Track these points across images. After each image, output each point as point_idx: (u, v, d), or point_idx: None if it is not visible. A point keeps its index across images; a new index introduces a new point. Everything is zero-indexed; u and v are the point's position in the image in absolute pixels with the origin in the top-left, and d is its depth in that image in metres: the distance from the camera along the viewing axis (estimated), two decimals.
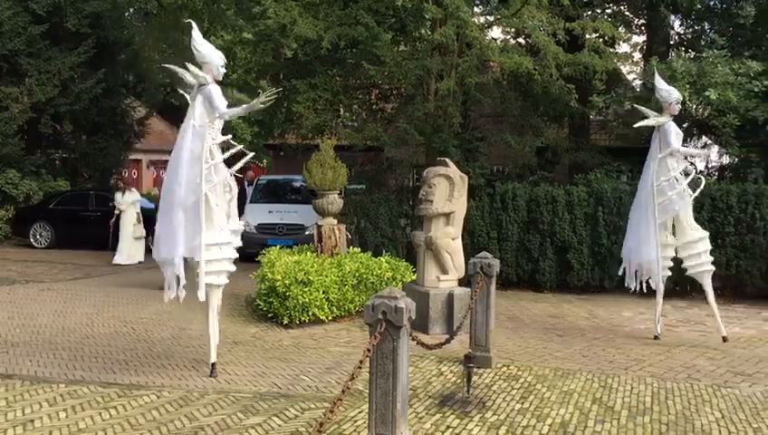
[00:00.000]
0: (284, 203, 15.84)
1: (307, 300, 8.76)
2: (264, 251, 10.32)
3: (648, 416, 5.68)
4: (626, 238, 8.99)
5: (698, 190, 8.43)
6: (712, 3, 15.41)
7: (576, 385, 6.52)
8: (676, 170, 8.28)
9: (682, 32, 17.65)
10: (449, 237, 8.86)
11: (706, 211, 11.42)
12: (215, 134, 6.69)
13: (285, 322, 8.91)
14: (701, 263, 8.51)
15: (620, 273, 8.90)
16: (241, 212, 15.95)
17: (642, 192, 8.61)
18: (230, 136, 6.83)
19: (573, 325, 9.43)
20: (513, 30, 14.28)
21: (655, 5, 14.57)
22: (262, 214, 15.16)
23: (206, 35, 19.99)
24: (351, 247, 10.66)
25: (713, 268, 8.60)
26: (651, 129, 13.61)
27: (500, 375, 6.80)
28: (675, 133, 8.27)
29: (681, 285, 11.56)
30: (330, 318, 9.09)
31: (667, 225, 8.52)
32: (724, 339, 8.31)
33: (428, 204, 8.88)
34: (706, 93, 12.06)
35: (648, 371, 7.12)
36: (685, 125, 14.82)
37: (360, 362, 3.97)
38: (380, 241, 12.64)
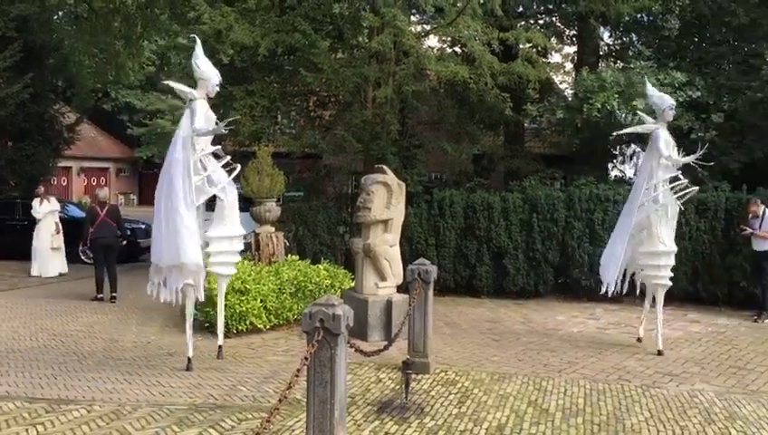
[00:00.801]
0: None
1: (244, 309, 8.65)
2: None
3: (580, 417, 5.82)
4: (609, 243, 8.84)
5: (685, 198, 8.37)
6: (639, 16, 15.91)
7: (512, 389, 6.63)
8: (659, 178, 8.20)
9: (611, 43, 18.20)
10: (387, 244, 8.90)
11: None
12: (203, 145, 7.00)
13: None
14: (660, 275, 8.41)
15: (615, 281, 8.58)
16: None
17: (632, 200, 8.52)
18: (219, 147, 7.21)
19: (509, 330, 9.58)
20: (449, 39, 14.47)
21: (585, 17, 14.98)
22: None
23: (138, 40, 19.54)
24: (289, 255, 10.58)
25: (669, 284, 8.50)
26: (585, 137, 14.02)
27: (438, 381, 6.86)
28: (663, 140, 8.19)
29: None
30: (268, 327, 9.00)
31: (659, 232, 8.35)
32: (659, 353, 8.20)
33: (366, 211, 8.90)
34: (634, 103, 12.44)
35: (581, 373, 7.30)
36: (614, 133, 15.31)
37: (298, 370, 3.95)
38: (319, 249, 12.59)
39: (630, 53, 16.77)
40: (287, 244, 10.86)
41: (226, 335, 8.70)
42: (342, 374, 4.28)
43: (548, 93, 15.84)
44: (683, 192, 8.41)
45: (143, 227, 16.84)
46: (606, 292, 8.56)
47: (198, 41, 7.49)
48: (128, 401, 6.18)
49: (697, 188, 8.62)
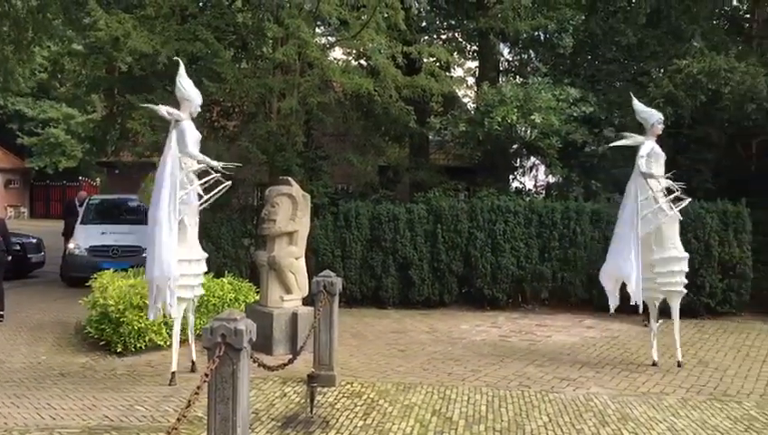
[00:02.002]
0: (119, 224, 15.04)
1: (143, 325, 8.35)
2: (95, 275, 9.74)
3: (483, 424, 5.94)
4: (607, 257, 8.62)
5: (678, 208, 8.32)
6: (536, 34, 16.55)
7: (417, 398, 6.69)
8: (655, 190, 8.22)
9: (510, 59, 18.82)
10: (293, 257, 8.82)
11: (534, 227, 12.21)
12: (189, 163, 7.25)
13: (119, 349, 8.44)
14: (673, 282, 8.28)
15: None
16: (70, 234, 15.01)
17: (624, 211, 8.44)
18: (204, 165, 7.35)
19: (415, 340, 9.68)
20: (354, 52, 14.55)
21: (485, 34, 15.42)
22: (94, 235, 14.34)
23: (29, 45, 18.56)
24: None
25: (684, 291, 8.44)
26: (487, 150, 14.35)
27: (343, 393, 6.84)
28: (645, 155, 8.25)
29: (513, 297, 12.28)
30: (168, 343, 8.69)
31: (649, 243, 8.30)
32: (679, 364, 8.17)
33: (271, 223, 8.80)
34: (532, 117, 12.89)
35: (483, 380, 7.45)
36: (514, 146, 15.82)
37: (198, 387, 3.84)
38: (223, 262, 12.32)
39: (528, 69, 17.42)
40: None
41: (122, 354, 8.41)
42: (245, 390, 4.19)
43: (451, 107, 16.19)
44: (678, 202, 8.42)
45: (34, 241, 16.03)
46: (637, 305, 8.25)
47: (181, 62, 7.72)
48: (15, 425, 5.84)
49: (690, 199, 8.67)
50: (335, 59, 14.59)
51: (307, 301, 8.81)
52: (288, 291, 8.76)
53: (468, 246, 12.23)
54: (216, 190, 7.49)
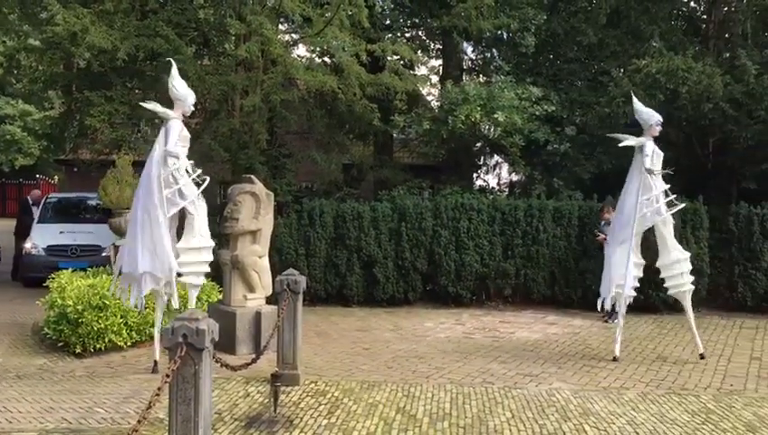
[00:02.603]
0: (78, 223, 14.74)
1: (103, 326, 8.20)
2: (53, 275, 9.54)
3: (447, 421, 5.96)
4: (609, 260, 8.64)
5: (674, 210, 8.45)
6: (499, 33, 16.65)
7: (381, 396, 6.69)
8: (658, 189, 8.34)
9: (474, 58, 18.92)
10: (256, 255, 8.75)
11: (498, 225, 12.30)
12: (179, 162, 7.35)
13: (78, 350, 8.28)
14: (682, 283, 8.49)
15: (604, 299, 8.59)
16: (23, 233, 14.66)
17: (622, 212, 8.57)
18: (192, 162, 7.59)
19: (379, 338, 9.68)
20: (318, 49, 14.49)
21: (449, 32, 15.48)
22: (51, 235, 14.02)
23: None
24: None
25: (692, 287, 8.59)
26: (451, 148, 14.40)
27: (308, 392, 6.80)
28: (650, 154, 8.38)
29: (477, 294, 12.36)
30: (129, 344, 8.57)
31: (636, 244, 8.46)
32: (702, 356, 8.34)
33: (234, 222, 8.71)
34: (495, 115, 13.00)
35: (447, 378, 7.48)
36: (478, 145, 15.93)
37: (159, 388, 3.78)
38: None
39: (492, 68, 17.53)
40: None
41: (80, 355, 8.25)
42: (207, 391, 4.14)
43: (415, 105, 16.23)
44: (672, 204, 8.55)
45: None
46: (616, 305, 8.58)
47: (173, 63, 7.85)
48: None
49: (684, 205, 8.83)
50: (299, 56, 14.54)
51: (271, 300, 8.74)
52: (251, 290, 8.69)
53: (432, 244, 12.27)
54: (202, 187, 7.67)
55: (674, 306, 11.67)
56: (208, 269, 7.82)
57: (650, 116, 8.75)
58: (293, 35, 14.75)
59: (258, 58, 12.09)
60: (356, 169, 15.88)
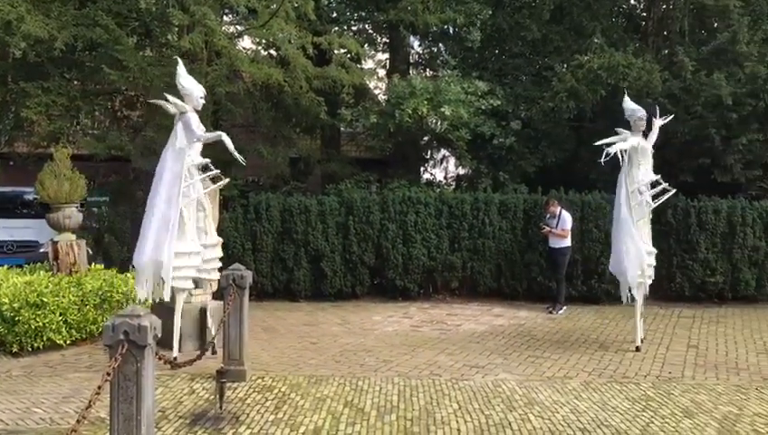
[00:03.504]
0: (14, 218, 14.25)
1: (41, 324, 7.96)
2: None
3: (394, 414, 5.98)
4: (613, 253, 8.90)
5: (659, 201, 8.79)
6: (445, 27, 16.75)
7: (329, 391, 6.66)
8: (641, 182, 8.56)
9: (421, 52, 19.01)
10: None
11: (445, 218, 12.39)
12: (193, 156, 7.63)
13: (14, 350, 8.02)
14: (640, 273, 8.57)
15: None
16: None
17: (617, 205, 8.79)
18: (209, 160, 7.79)
19: (327, 332, 9.64)
20: (263, 41, 14.31)
21: (395, 26, 15.49)
22: None
23: None
24: (93, 264, 9.90)
25: (649, 281, 8.80)
26: (398, 142, 14.39)
27: (254, 388, 6.73)
28: (630, 147, 8.56)
29: (424, 287, 12.43)
30: (68, 342, 8.34)
31: (647, 233, 8.74)
32: (637, 349, 8.50)
33: None
34: (442, 109, 13.06)
35: (395, 371, 7.50)
36: (425, 138, 15.99)
37: (99, 387, 3.68)
38: (127, 256, 11.83)
39: (438, 62, 17.62)
40: (90, 252, 10.15)
41: (17, 354, 8.00)
42: (150, 388, 4.05)
43: (362, 98, 16.18)
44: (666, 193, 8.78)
45: None
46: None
47: (180, 61, 8.04)
48: None
49: (674, 190, 9.00)
50: (244, 48, 14.32)
51: (217, 295, 8.62)
52: (197, 285, 8.53)
53: (380, 238, 12.29)
54: (215, 185, 8.13)
55: (615, 296, 11.99)
56: (195, 274, 7.83)
57: (634, 112, 8.97)
58: (238, 27, 14.53)
59: (202, 50, 11.87)
60: (303, 162, 15.75)
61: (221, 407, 6.03)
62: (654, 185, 8.75)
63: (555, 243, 11.47)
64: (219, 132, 7.95)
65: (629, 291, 8.60)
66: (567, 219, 11.46)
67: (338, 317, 10.85)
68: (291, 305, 11.86)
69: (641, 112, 8.92)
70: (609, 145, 8.62)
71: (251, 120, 14.56)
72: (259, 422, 5.74)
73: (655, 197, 8.77)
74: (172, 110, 7.74)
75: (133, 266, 7.74)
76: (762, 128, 13.52)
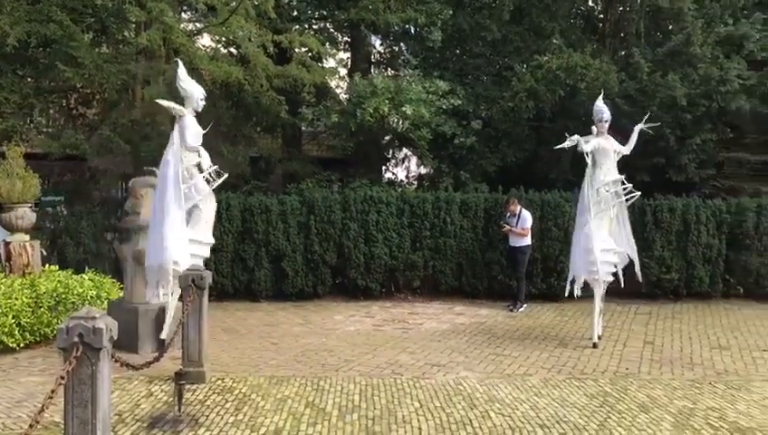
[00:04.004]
0: None
1: None
2: None
3: (356, 413, 5.97)
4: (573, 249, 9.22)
5: (631, 201, 9.16)
6: (406, 26, 16.78)
7: (290, 391, 6.62)
8: (601, 182, 8.76)
9: (382, 51, 18.99)
10: None
11: (406, 217, 12.41)
12: (190, 157, 7.79)
13: None
14: (603, 270, 8.84)
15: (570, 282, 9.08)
16: None
17: (581, 201, 8.96)
18: (203, 159, 8.00)
19: (288, 332, 9.59)
20: (223, 39, 14.15)
21: (356, 25, 15.47)
22: None
23: None
24: (48, 265, 9.68)
25: (611, 279, 9.05)
26: (360, 141, 14.39)
27: (214, 389, 6.65)
28: (591, 147, 8.73)
29: (386, 286, 12.44)
30: (22, 345, 8.14)
31: (610, 229, 8.97)
32: (594, 345, 8.69)
33: (136, 216, 8.45)
34: (403, 109, 13.08)
35: (357, 370, 7.49)
36: (387, 138, 15.99)
37: (53, 391, 3.59)
38: (83, 257, 11.66)
39: (400, 62, 17.64)
40: (44, 253, 9.93)
41: None
42: (105, 392, 3.98)
43: (323, 98, 16.13)
44: (631, 195, 9.06)
45: None
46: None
47: (180, 63, 8.18)
48: None
49: (639, 193, 9.21)
50: (203, 46, 14.15)
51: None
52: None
53: (342, 237, 12.26)
54: (217, 180, 8.19)
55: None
56: (202, 266, 7.86)
57: (596, 112, 9.16)
58: (197, 24, 14.33)
59: (160, 47, 11.68)
60: (264, 161, 15.63)
61: (180, 409, 5.94)
62: (624, 185, 8.97)
63: (515, 241, 11.59)
64: (203, 158, 8.06)
65: (572, 284, 9.00)
66: (527, 218, 11.59)
67: (299, 317, 10.79)
68: (252, 306, 11.76)
69: (607, 115, 9.12)
70: (574, 144, 8.85)
71: (210, 118, 14.33)
72: (219, 424, 5.67)
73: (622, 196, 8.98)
74: (177, 110, 7.84)
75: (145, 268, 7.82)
76: (714, 128, 13.86)
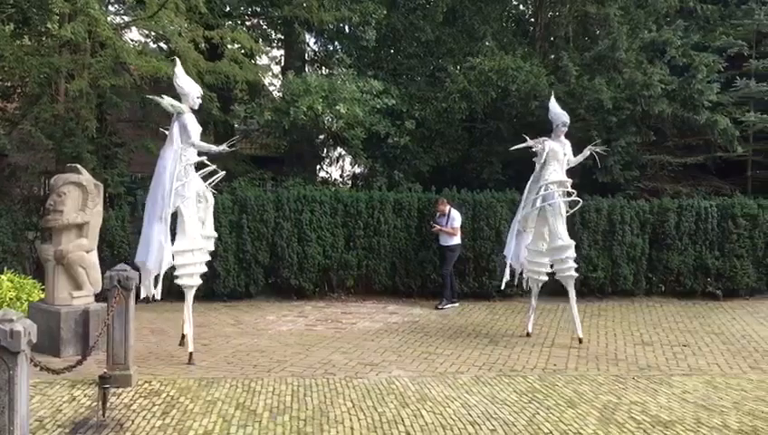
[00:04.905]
0: None
1: None
2: None
3: (287, 414, 5.90)
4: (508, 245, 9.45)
5: (574, 209, 9.37)
6: (341, 25, 16.74)
7: (220, 393, 6.50)
8: (545, 180, 8.95)
9: (316, 49, 18.91)
10: (83, 250, 8.20)
11: (340, 216, 12.37)
12: (189, 155, 7.73)
13: None
14: (566, 268, 8.97)
15: (507, 278, 9.23)
16: None
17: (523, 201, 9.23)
18: (205, 157, 7.99)
19: (219, 333, 9.42)
20: (152, 33, 13.81)
21: (290, 22, 15.34)
22: None
23: None
24: None
25: (576, 274, 9.10)
26: (293, 139, 14.27)
27: (141, 393, 6.47)
28: (547, 151, 8.91)
29: (320, 286, 12.38)
30: None
31: (543, 234, 9.11)
32: (580, 341, 8.89)
33: (58, 214, 8.11)
34: (337, 108, 13.05)
35: (289, 371, 7.41)
36: (321, 137, 15.95)
37: None
38: (2, 257, 11.15)
39: (334, 60, 17.59)
40: None
41: None
42: (24, 397, 3.83)
43: (256, 95, 15.95)
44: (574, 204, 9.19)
45: None
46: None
47: (178, 61, 8.30)
48: None
49: (580, 201, 9.34)
50: (131, 40, 13.79)
51: (100, 297, 8.24)
52: (78, 287, 8.14)
53: (274, 236, 12.13)
54: (212, 179, 8.27)
55: (505, 292, 12.38)
56: (205, 269, 8.13)
57: (556, 117, 9.31)
58: (125, 17, 13.95)
59: (85, 40, 11.29)
60: None
61: (104, 414, 5.75)
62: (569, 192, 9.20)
63: (445, 240, 11.74)
64: (219, 148, 8.01)
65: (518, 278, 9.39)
66: (456, 218, 11.75)
67: (231, 317, 10.62)
68: (181, 306, 11.38)
69: (566, 118, 9.32)
70: (528, 147, 9.18)
71: (139, 114, 14.03)
72: (145, 428, 5.52)
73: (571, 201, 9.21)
74: (170, 109, 7.85)
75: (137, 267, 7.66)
76: (638, 131, 14.34)
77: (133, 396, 6.36)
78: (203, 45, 12.50)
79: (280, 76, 16.77)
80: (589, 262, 12.58)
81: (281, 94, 15.10)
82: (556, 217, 9.01)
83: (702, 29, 16.30)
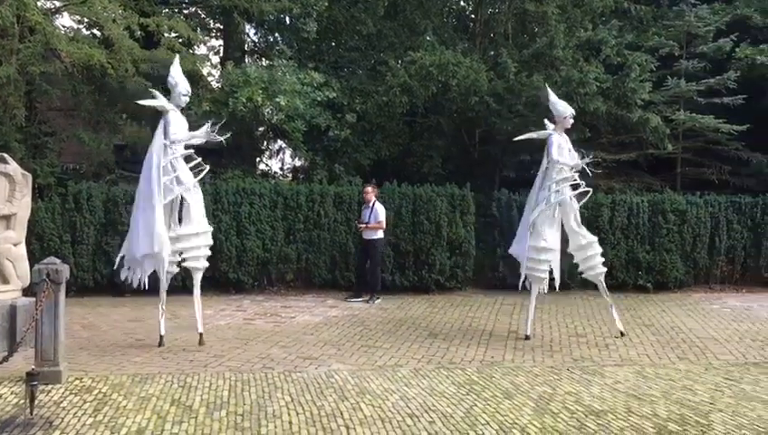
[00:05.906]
0: None
1: None
2: None
3: (224, 410, 5.81)
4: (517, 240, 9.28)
5: (583, 201, 9.08)
6: (281, 16, 16.54)
7: (155, 389, 6.35)
8: (552, 179, 8.72)
9: (256, 40, 18.64)
10: (10, 243, 7.90)
11: (280, 209, 12.26)
12: (176, 149, 8.01)
13: None
14: (538, 269, 8.84)
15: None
16: None
17: (531, 199, 9.05)
18: (192, 151, 8.26)
19: (155, 328, 9.12)
20: (85, 19, 13.36)
21: (229, 12, 15.08)
22: None
23: None
24: None
25: (544, 277, 8.92)
26: (233, 131, 14.09)
27: (71, 390, 6.26)
28: (556, 145, 8.69)
29: (259, 280, 12.24)
30: None
31: (544, 232, 8.83)
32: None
33: None
34: (277, 99, 12.89)
35: (226, 365, 7.30)
36: (261, 129, 15.72)
37: None
38: None
39: (274, 52, 17.37)
40: None
41: None
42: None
43: (194, 85, 15.58)
44: (579, 192, 8.90)
45: None
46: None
47: (177, 57, 8.59)
48: None
49: (590, 190, 9.08)
50: (63, 26, 13.32)
51: (28, 291, 7.95)
52: (4, 281, 7.83)
53: (213, 230, 11.87)
54: (199, 173, 8.32)
55: (444, 286, 12.51)
56: (209, 253, 8.54)
57: (565, 109, 9.14)
58: (56, 2, 13.45)
59: (13, 24, 10.87)
60: (129, 150, 14.91)
61: (31, 412, 5.54)
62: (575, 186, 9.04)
63: (369, 235, 11.76)
64: (200, 132, 8.32)
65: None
66: (380, 211, 11.77)
67: (167, 312, 10.25)
68: (115, 301, 11.20)
69: (571, 111, 9.21)
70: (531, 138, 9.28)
71: (71, 103, 13.57)
72: (75, 426, 5.34)
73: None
74: (158, 107, 8.11)
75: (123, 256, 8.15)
76: (575, 128, 14.61)
77: (63, 393, 6.15)
78: (138, 33, 12.16)
79: (219, 67, 16.46)
80: None
81: (219, 85, 14.82)
82: (546, 219, 8.86)
83: (635, 29, 16.75)
